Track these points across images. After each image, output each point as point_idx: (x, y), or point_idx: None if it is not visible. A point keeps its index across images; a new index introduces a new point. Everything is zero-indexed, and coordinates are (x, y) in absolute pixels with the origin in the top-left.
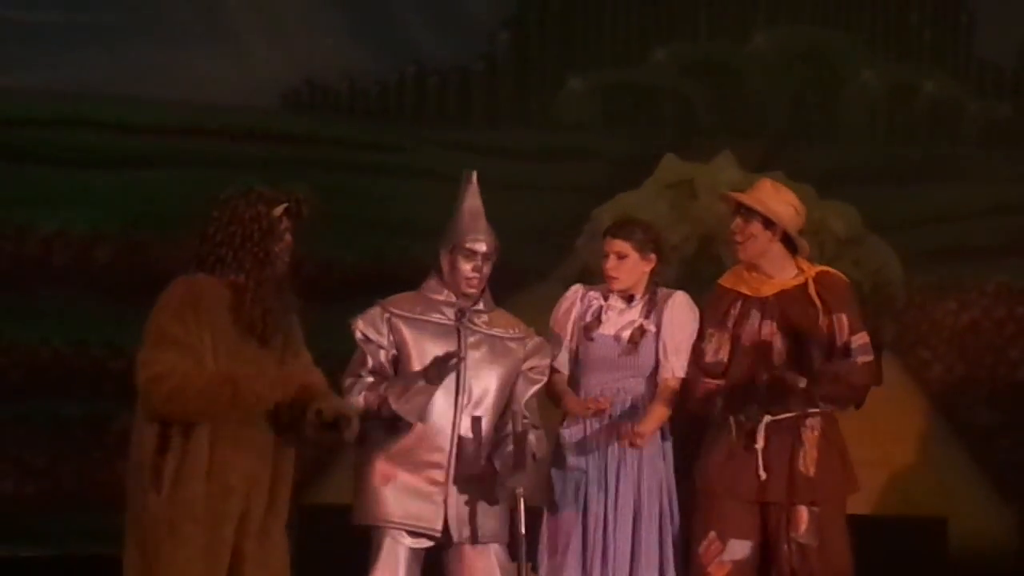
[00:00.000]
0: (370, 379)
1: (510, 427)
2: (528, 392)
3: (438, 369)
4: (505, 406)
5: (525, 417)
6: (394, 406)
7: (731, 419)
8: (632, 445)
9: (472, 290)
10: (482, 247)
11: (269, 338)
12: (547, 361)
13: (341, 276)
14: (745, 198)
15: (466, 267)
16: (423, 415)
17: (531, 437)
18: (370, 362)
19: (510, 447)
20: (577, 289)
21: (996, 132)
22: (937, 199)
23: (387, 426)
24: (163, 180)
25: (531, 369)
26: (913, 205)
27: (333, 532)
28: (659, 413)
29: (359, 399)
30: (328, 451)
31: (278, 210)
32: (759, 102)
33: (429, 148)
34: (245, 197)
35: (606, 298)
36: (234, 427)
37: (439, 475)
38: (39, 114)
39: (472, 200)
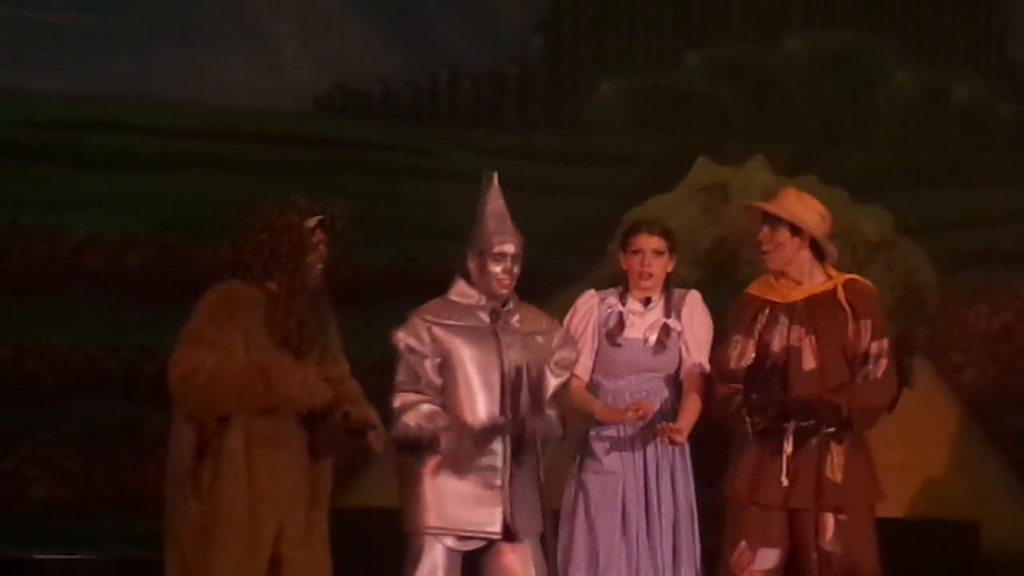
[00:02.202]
0: (426, 407)
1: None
2: (552, 385)
3: (489, 435)
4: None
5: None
6: (444, 453)
7: (746, 418)
8: (672, 442)
9: (504, 291)
10: (511, 248)
11: (305, 350)
12: (573, 355)
13: (374, 279)
14: (770, 207)
15: (496, 269)
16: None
17: (549, 413)
18: (419, 377)
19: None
20: (592, 295)
21: None
22: (970, 202)
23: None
24: (195, 184)
25: (557, 362)
26: (946, 209)
27: (364, 535)
28: (694, 406)
29: (412, 425)
30: (358, 455)
31: (311, 221)
32: (792, 106)
33: (461, 152)
34: (279, 206)
35: (623, 303)
36: (268, 431)
37: (495, 478)
38: (71, 117)
39: (495, 202)
